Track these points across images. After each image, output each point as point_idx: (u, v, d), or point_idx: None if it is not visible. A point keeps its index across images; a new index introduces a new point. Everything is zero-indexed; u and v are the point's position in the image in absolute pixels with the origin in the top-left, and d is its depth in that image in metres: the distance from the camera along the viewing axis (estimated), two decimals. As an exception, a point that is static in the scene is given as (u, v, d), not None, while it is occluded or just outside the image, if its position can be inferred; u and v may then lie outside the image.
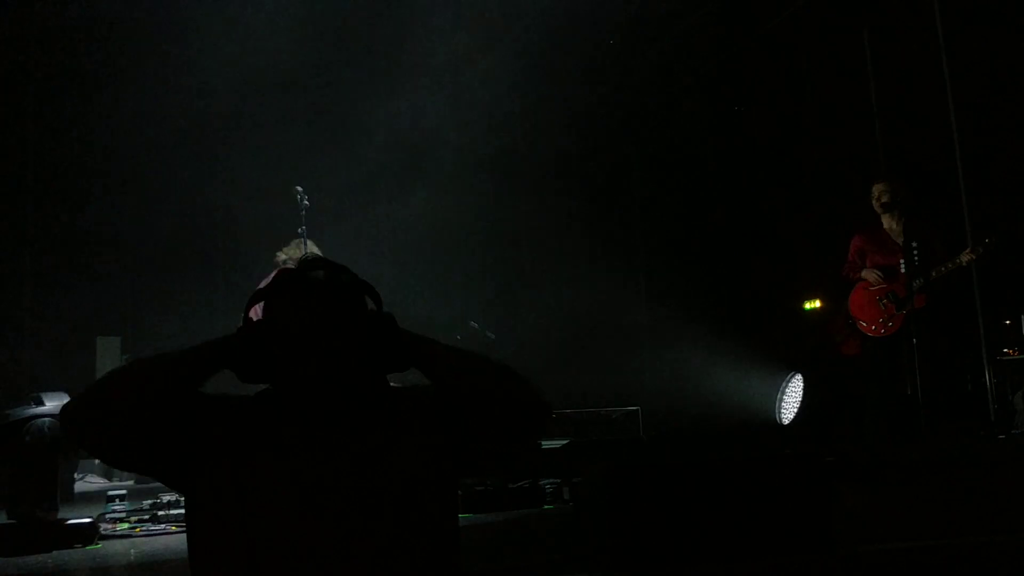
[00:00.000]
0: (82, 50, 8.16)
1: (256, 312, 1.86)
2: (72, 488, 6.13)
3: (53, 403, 4.45)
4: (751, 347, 7.62)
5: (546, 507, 4.87)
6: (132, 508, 4.81)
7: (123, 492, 4.85)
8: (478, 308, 8.41)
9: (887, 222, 5.90)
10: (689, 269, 8.65)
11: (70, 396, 4.73)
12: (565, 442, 5.29)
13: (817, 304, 8.45)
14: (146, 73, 8.05)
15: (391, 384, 1.96)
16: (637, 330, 8.32)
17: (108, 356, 8.15)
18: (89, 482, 7.70)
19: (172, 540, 4.41)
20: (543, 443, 5.18)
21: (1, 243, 7.76)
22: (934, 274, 5.59)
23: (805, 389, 6.08)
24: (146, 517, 4.72)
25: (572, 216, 8.77)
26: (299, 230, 5.61)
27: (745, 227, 8.76)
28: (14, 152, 7.95)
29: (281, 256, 5.77)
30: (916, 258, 5.58)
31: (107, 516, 4.67)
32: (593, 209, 8.84)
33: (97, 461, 7.94)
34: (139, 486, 6.10)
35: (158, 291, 8.54)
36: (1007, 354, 6.84)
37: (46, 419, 4.37)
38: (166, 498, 4.84)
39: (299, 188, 5.66)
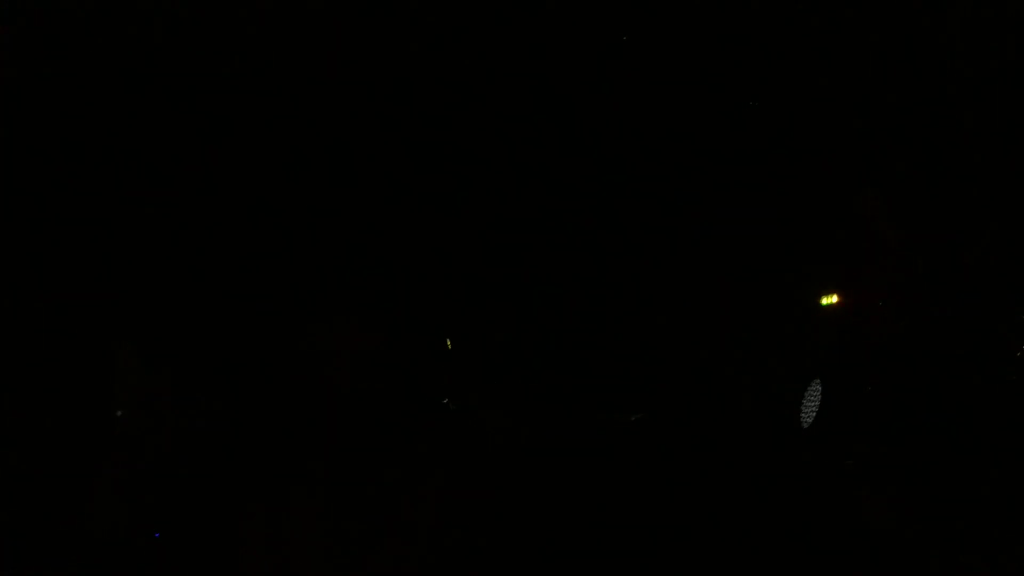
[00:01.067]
0: (104, 43, 8.11)
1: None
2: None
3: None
4: (768, 346, 7.58)
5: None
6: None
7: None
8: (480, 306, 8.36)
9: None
10: (697, 263, 8.59)
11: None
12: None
13: (835, 299, 8.38)
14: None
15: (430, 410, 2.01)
16: (649, 329, 8.28)
17: (128, 365, 8.20)
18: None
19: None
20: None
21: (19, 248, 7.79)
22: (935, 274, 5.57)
23: (825, 391, 6.09)
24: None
25: (580, 206, 8.72)
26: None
27: (756, 217, 8.68)
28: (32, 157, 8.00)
29: None
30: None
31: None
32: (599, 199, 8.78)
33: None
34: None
35: (181, 296, 8.59)
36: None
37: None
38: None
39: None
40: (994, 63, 6.77)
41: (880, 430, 5.89)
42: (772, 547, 3.29)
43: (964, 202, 6.67)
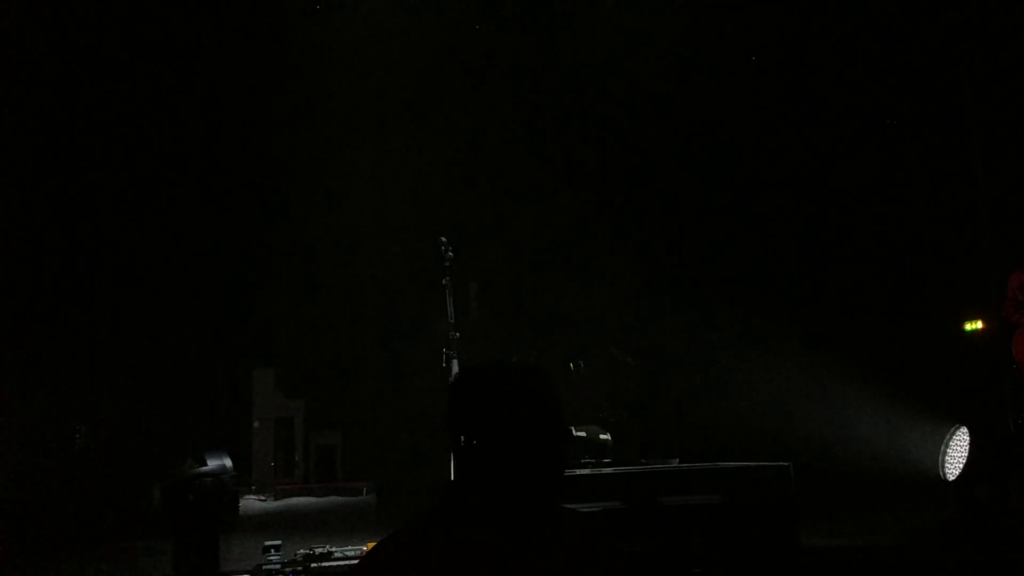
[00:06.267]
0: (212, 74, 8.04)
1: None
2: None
3: (215, 462, 4.64)
4: (908, 384, 7.18)
5: (695, 571, 4.73)
6: (287, 560, 4.96)
7: (278, 543, 5.00)
8: (619, 335, 8.26)
9: None
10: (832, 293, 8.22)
11: (230, 454, 4.95)
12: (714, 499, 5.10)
13: (979, 325, 7.86)
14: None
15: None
16: (786, 375, 7.97)
17: (263, 389, 8.47)
18: (247, 499, 8.04)
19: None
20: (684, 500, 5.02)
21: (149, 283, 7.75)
22: None
23: (972, 441, 5.71)
24: (300, 568, 4.85)
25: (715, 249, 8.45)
26: (443, 281, 5.64)
27: (892, 232, 8.24)
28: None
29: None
30: None
31: (264, 568, 4.83)
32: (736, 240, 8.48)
33: (253, 488, 8.35)
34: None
35: (309, 322, 8.83)
36: None
37: (209, 478, 4.57)
38: (318, 550, 4.98)
39: (443, 239, 5.68)
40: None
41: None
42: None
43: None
